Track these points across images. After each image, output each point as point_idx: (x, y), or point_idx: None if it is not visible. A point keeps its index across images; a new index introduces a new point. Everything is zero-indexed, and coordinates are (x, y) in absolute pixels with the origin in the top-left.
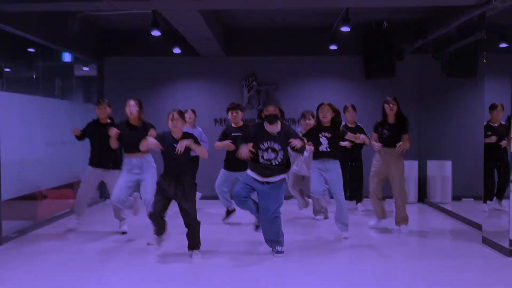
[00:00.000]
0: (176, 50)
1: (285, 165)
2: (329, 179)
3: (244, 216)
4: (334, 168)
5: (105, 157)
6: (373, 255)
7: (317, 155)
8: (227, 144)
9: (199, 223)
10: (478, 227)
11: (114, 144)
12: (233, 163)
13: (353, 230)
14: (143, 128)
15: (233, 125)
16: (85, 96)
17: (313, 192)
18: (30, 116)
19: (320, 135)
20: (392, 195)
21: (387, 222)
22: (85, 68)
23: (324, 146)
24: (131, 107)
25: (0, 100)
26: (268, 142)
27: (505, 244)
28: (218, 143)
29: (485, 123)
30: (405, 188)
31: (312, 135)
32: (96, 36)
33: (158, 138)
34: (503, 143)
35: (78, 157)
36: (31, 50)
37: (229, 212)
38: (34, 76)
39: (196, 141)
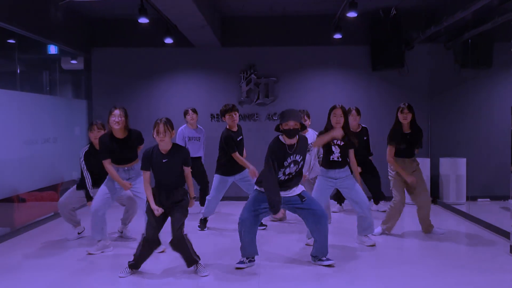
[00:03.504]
0: (168, 40)
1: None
2: (345, 186)
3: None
4: (345, 175)
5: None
6: (386, 269)
7: (328, 164)
8: (252, 171)
9: (183, 238)
10: (501, 232)
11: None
12: (229, 167)
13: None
14: (129, 138)
15: (230, 128)
16: (71, 90)
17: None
18: (6, 112)
19: (332, 142)
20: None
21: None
22: (73, 61)
23: (336, 155)
24: (116, 117)
25: None
26: (291, 157)
27: None
28: (239, 157)
29: None
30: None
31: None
32: (82, 26)
33: (145, 158)
34: None
35: (62, 156)
36: (11, 41)
37: (205, 221)
38: (18, 71)
39: (187, 159)
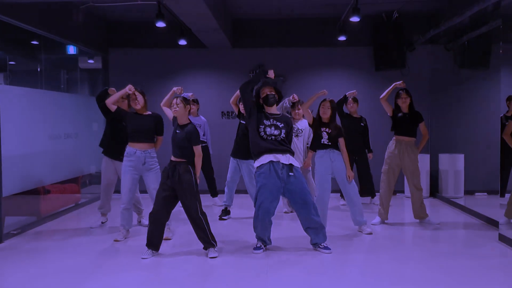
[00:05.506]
0: (182, 42)
1: (289, 144)
2: (337, 169)
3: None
4: (339, 159)
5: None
6: (383, 254)
7: (320, 146)
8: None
9: (204, 216)
10: (494, 223)
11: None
12: (237, 149)
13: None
14: (151, 116)
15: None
16: (90, 88)
17: (318, 199)
18: (32, 110)
19: (322, 129)
20: (405, 189)
21: (391, 217)
22: (90, 61)
23: (325, 139)
24: (138, 96)
25: (2, 93)
26: (271, 120)
27: None
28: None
29: (502, 115)
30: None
31: (315, 127)
32: (101, 28)
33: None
34: None
35: (82, 151)
36: (35, 42)
37: (227, 212)
38: (38, 69)
39: (191, 137)
